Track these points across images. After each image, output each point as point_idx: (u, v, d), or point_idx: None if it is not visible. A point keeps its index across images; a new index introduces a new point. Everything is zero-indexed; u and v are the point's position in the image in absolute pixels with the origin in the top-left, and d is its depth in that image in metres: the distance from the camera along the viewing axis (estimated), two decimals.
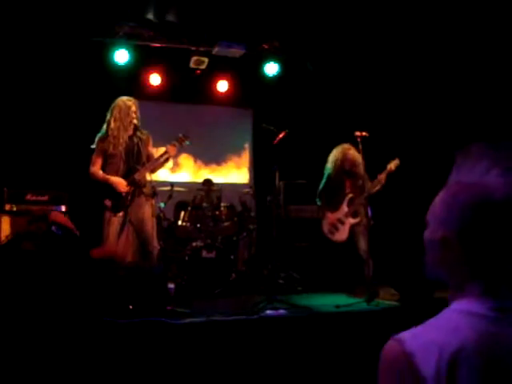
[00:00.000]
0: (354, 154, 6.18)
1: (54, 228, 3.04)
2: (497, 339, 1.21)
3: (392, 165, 6.09)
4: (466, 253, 1.28)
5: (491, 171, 1.27)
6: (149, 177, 5.40)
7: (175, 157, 5.70)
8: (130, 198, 5.47)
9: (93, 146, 5.54)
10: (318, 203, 6.70)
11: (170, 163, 5.86)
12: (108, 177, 5.46)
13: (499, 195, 1.24)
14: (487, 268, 1.27)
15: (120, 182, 5.43)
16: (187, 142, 5.67)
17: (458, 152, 1.35)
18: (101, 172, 5.51)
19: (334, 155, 6.45)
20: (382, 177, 6.08)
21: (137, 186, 5.49)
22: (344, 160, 6.33)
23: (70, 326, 2.79)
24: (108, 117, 5.52)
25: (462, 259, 1.29)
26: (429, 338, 1.23)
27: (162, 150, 5.65)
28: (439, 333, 1.23)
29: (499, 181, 1.25)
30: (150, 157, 5.63)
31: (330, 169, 6.50)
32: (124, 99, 5.57)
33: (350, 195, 6.33)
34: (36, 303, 2.53)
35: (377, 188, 6.10)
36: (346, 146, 6.31)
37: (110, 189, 5.43)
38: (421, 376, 1.19)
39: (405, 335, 1.26)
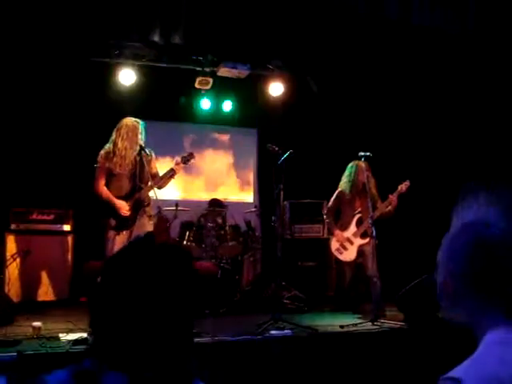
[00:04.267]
0: (367, 172, 6.14)
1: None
2: None
3: (403, 186, 6.11)
4: (476, 290, 1.29)
5: (490, 209, 1.30)
6: (154, 196, 5.42)
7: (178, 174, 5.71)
8: (134, 217, 5.49)
9: (96, 165, 5.52)
10: (327, 220, 6.69)
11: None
12: (112, 198, 5.46)
13: (499, 230, 1.27)
14: (503, 299, 1.27)
15: (123, 207, 5.44)
16: (192, 161, 5.74)
17: (459, 192, 1.38)
18: (106, 191, 5.50)
19: (348, 172, 6.45)
20: (394, 198, 6.09)
21: (141, 206, 5.52)
22: (358, 178, 6.32)
23: None
24: (114, 136, 5.52)
25: (471, 297, 1.30)
26: (484, 374, 1.20)
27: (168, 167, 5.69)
28: (492, 367, 1.21)
29: (499, 218, 1.28)
30: (154, 175, 5.65)
31: (342, 186, 6.49)
32: (132, 119, 5.62)
33: (359, 215, 6.33)
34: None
35: (388, 209, 6.10)
36: (362, 163, 6.22)
37: (114, 208, 5.46)
38: None
39: (458, 374, 1.22)
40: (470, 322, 1.34)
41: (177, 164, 5.59)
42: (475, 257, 1.28)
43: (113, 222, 5.46)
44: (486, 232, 1.28)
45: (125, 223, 5.47)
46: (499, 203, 1.30)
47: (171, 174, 5.60)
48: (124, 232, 5.48)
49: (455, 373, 1.23)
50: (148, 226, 5.56)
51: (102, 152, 5.52)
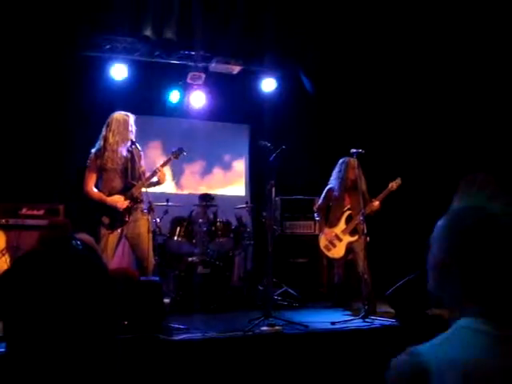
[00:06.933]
0: (357, 169, 6.10)
1: (74, 242, 3.01)
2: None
3: (394, 184, 6.09)
4: (464, 276, 1.28)
5: (495, 200, 1.30)
6: (145, 191, 5.38)
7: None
8: (127, 214, 5.45)
9: (87, 165, 5.48)
10: (317, 218, 6.69)
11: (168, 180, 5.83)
12: (105, 198, 5.42)
13: (504, 221, 1.26)
14: (486, 291, 1.27)
15: (118, 201, 5.40)
16: (184, 153, 5.70)
17: (462, 180, 1.38)
18: (96, 192, 5.46)
19: (338, 169, 6.42)
20: (377, 203, 6.08)
21: (135, 202, 5.48)
22: (347, 175, 6.30)
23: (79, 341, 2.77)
24: (104, 132, 5.47)
25: (460, 282, 1.30)
26: (444, 354, 1.23)
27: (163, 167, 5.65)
28: (454, 349, 1.23)
29: (504, 209, 1.28)
30: (143, 172, 5.61)
31: (332, 183, 6.47)
32: (122, 113, 5.57)
33: (349, 212, 6.31)
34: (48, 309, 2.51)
35: (369, 211, 6.06)
36: (352, 160, 6.18)
37: (107, 206, 5.41)
38: None
39: (420, 349, 1.26)
40: (449, 303, 1.35)
41: (160, 169, 5.54)
42: (477, 242, 1.27)
43: (106, 220, 5.42)
44: (493, 221, 1.27)
45: (118, 221, 5.43)
46: (503, 196, 1.31)
47: (156, 178, 5.58)
48: (118, 230, 5.45)
49: (418, 349, 1.26)
50: (141, 221, 5.51)
51: (93, 151, 5.48)
